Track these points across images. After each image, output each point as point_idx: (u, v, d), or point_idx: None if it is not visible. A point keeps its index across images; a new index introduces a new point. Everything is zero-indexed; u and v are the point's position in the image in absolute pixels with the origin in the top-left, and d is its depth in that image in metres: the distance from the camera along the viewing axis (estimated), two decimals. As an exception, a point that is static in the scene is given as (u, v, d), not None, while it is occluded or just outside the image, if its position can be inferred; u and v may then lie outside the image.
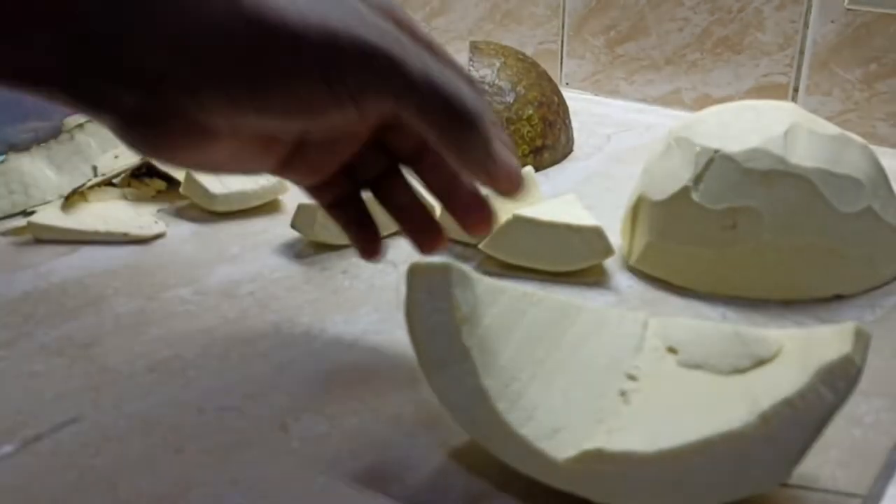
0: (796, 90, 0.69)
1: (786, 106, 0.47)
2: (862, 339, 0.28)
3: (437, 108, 0.29)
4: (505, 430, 0.29)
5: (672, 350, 0.32)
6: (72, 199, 0.53)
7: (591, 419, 0.30)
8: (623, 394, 0.31)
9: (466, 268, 0.32)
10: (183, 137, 0.29)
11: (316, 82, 0.28)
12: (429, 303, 0.30)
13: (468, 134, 0.29)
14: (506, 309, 0.32)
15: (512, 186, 0.32)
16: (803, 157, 0.43)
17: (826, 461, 0.32)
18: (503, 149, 0.31)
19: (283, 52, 0.27)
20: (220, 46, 0.27)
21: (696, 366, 0.31)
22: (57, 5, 0.26)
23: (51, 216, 0.51)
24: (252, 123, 0.29)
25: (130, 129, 0.28)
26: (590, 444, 0.28)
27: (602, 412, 0.30)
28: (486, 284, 0.33)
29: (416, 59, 0.28)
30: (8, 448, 0.33)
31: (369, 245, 0.38)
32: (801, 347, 0.29)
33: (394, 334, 0.40)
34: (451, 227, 0.50)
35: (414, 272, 0.31)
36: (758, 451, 0.27)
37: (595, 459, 0.28)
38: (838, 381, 0.27)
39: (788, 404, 0.27)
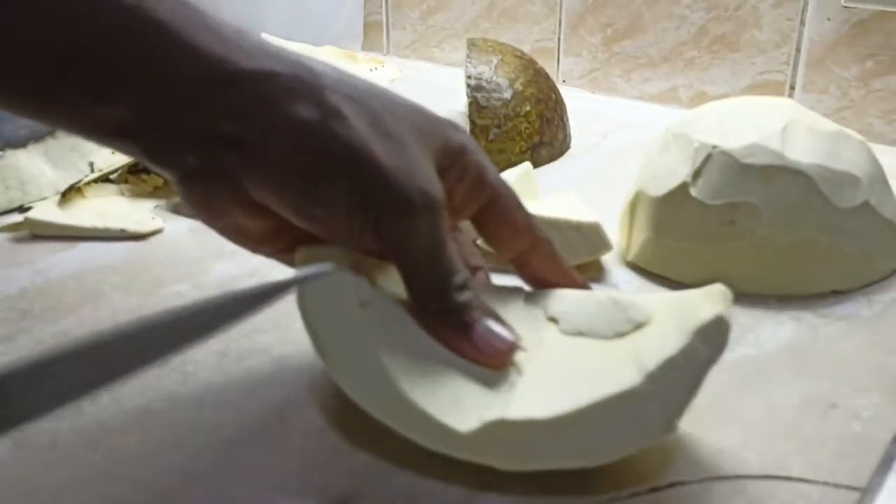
0: (793, 88, 0.69)
1: (784, 102, 0.47)
2: (728, 299, 0.30)
3: (425, 289, 0.32)
4: (408, 408, 0.30)
5: (553, 319, 0.34)
6: (69, 195, 0.53)
7: (488, 391, 0.31)
8: (515, 364, 0.32)
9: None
10: (228, 202, 0.31)
11: (355, 214, 0.30)
12: (324, 285, 0.31)
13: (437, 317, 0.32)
14: (398, 293, 0.33)
15: (488, 361, 0.32)
16: (801, 153, 0.43)
17: (825, 455, 0.32)
18: (487, 327, 0.32)
19: (347, 180, 0.30)
20: (294, 147, 0.30)
21: (579, 333, 0.33)
22: (144, 70, 0.29)
23: (48, 212, 0.51)
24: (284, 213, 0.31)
25: (184, 183, 0.31)
26: (491, 415, 0.29)
27: (498, 383, 0.31)
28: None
29: (434, 237, 0.31)
30: (6, 443, 0.33)
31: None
32: (674, 310, 0.31)
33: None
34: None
35: (307, 256, 0.32)
36: (647, 408, 0.29)
37: (497, 428, 0.29)
38: (713, 337, 0.29)
39: (672, 363, 0.29)
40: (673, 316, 0.31)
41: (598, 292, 0.34)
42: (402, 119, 0.31)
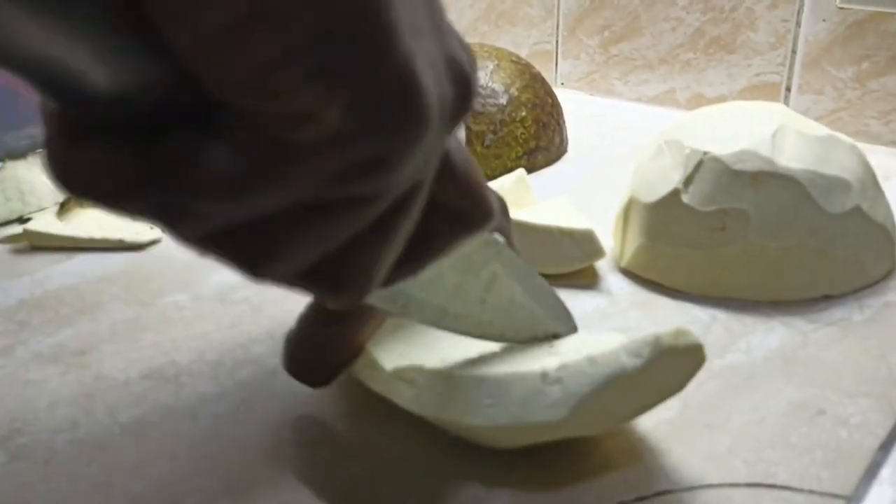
0: (789, 89, 0.70)
1: (774, 107, 0.47)
2: (684, 341, 0.29)
3: None
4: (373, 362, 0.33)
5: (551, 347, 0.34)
6: (68, 205, 0.53)
7: (446, 345, 0.33)
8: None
9: None
10: None
11: None
12: None
13: None
14: None
15: None
16: (791, 158, 0.43)
17: (812, 462, 0.32)
18: None
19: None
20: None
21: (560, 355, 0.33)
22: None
23: (47, 223, 0.52)
24: None
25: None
26: (415, 360, 0.32)
27: (455, 338, 0.33)
28: None
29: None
30: (2, 456, 0.33)
31: None
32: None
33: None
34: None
35: None
36: (551, 391, 0.30)
37: (412, 373, 0.32)
38: (643, 349, 0.29)
39: (589, 359, 0.30)
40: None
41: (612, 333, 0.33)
42: None
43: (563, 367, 0.30)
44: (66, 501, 0.31)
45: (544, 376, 0.30)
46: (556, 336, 0.34)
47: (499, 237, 0.32)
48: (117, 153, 0.19)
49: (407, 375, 0.32)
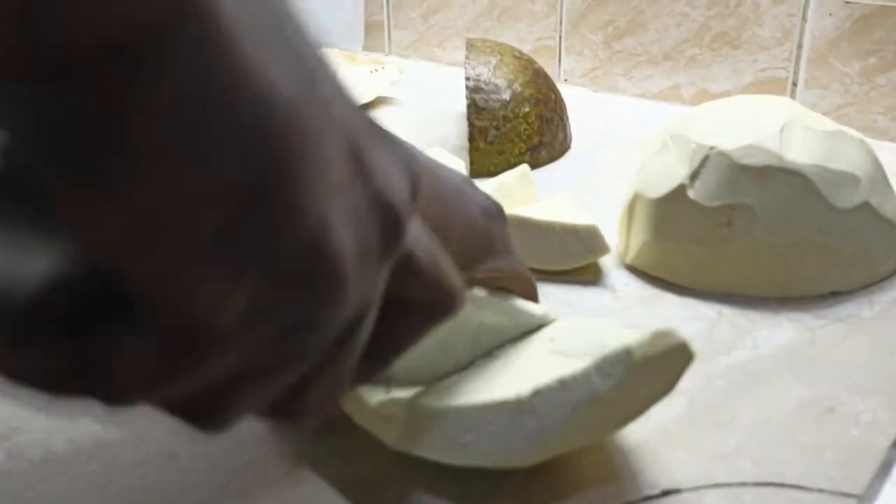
0: (795, 84, 0.69)
1: (781, 101, 0.46)
2: (667, 343, 0.27)
3: None
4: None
5: (551, 340, 0.32)
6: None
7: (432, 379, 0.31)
8: (470, 363, 0.31)
9: None
10: None
11: None
12: None
13: None
14: None
15: None
16: (799, 153, 0.42)
17: (822, 461, 0.31)
18: None
19: None
20: None
21: (560, 353, 0.31)
22: None
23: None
24: None
25: None
26: (399, 395, 0.30)
27: (446, 375, 0.31)
28: None
29: None
30: (0, 455, 0.33)
31: None
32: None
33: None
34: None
35: None
36: (525, 422, 0.28)
37: (393, 407, 0.30)
38: (615, 367, 0.27)
39: (560, 383, 0.28)
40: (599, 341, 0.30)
41: (605, 321, 0.32)
42: None
43: (537, 394, 0.28)
44: (64, 500, 0.31)
45: (518, 405, 0.28)
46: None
47: (479, 291, 0.32)
48: (45, 357, 0.18)
49: (388, 411, 0.31)
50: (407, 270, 0.23)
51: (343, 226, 0.19)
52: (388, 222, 0.21)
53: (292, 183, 0.17)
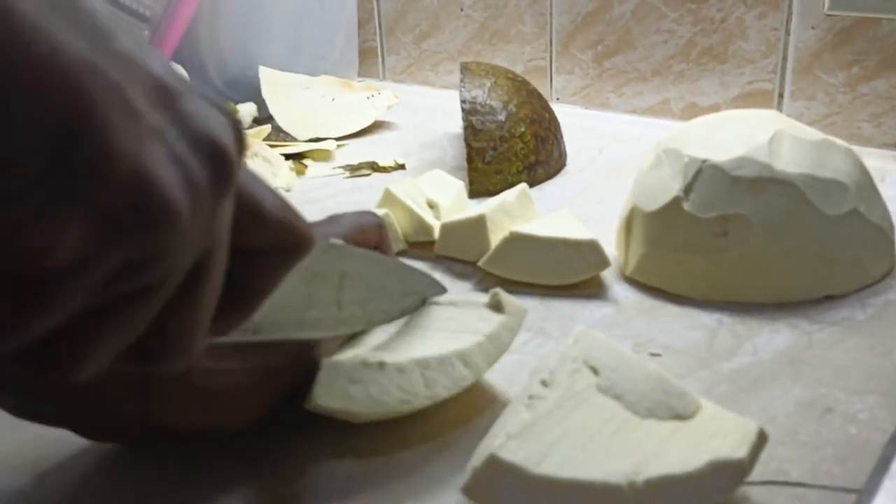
0: (781, 96, 0.71)
1: (769, 114, 0.48)
2: (761, 442, 0.30)
3: None
4: None
5: (594, 370, 0.33)
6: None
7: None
8: (530, 397, 0.31)
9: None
10: None
11: None
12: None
13: None
14: None
15: None
16: (788, 163, 0.44)
17: (823, 459, 0.33)
18: None
19: None
20: None
21: (615, 396, 0.32)
22: None
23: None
24: None
25: None
26: (484, 450, 0.30)
27: (506, 412, 0.32)
28: None
29: None
30: (26, 479, 0.34)
31: None
32: (710, 419, 0.31)
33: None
34: (451, 245, 0.51)
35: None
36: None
37: (486, 464, 0.29)
38: (725, 476, 0.29)
39: (672, 479, 0.29)
40: (705, 428, 0.31)
41: (650, 364, 0.33)
42: None
43: (648, 486, 0.29)
44: None
45: (616, 492, 0.29)
46: (427, 300, 0.38)
47: (336, 241, 0.34)
48: None
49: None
50: (253, 215, 0.24)
51: (163, 164, 0.21)
52: (215, 159, 0.22)
53: (97, 129, 0.19)
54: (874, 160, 0.60)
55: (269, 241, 0.25)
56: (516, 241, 0.47)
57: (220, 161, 0.22)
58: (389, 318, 0.37)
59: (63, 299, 0.20)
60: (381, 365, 0.34)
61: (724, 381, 0.38)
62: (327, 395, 0.33)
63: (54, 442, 0.35)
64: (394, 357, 0.35)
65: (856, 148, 0.48)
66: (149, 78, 0.21)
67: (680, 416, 0.31)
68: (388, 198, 0.54)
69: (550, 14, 0.81)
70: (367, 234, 0.39)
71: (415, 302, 0.38)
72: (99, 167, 0.19)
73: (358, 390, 0.33)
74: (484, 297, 0.38)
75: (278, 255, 0.25)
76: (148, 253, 0.20)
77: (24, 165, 0.18)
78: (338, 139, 0.74)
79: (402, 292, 0.37)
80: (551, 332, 0.43)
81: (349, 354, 0.35)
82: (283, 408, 0.35)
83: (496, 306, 0.38)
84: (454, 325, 0.37)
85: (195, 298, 0.23)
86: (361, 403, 0.33)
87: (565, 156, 0.68)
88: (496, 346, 0.37)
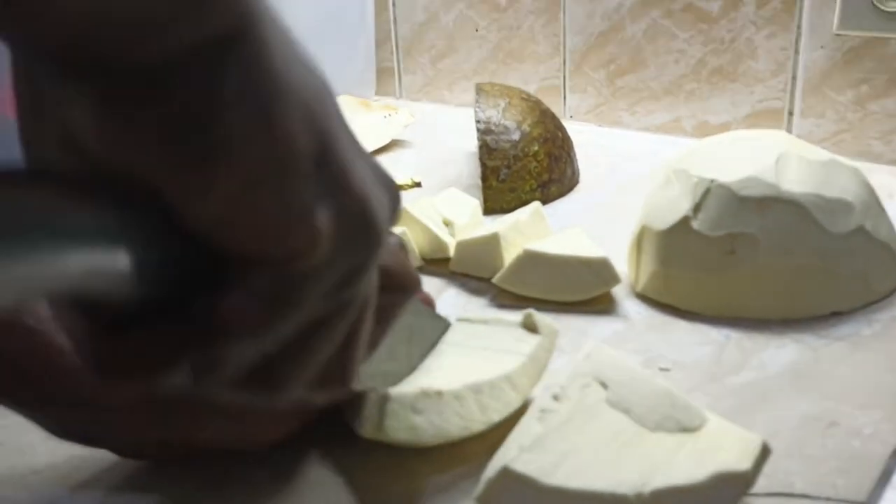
0: (791, 114, 0.72)
1: (776, 135, 0.49)
2: (765, 455, 0.31)
3: None
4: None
5: (603, 384, 0.34)
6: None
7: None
8: (542, 411, 0.33)
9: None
10: None
11: None
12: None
13: None
14: None
15: None
16: (794, 182, 0.45)
17: (827, 471, 0.34)
18: None
19: None
20: None
21: (624, 409, 0.33)
22: None
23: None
24: None
25: None
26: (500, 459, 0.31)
27: (519, 425, 0.33)
28: None
29: None
30: (60, 491, 0.35)
31: None
32: (716, 432, 0.32)
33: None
34: (466, 263, 0.53)
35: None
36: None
37: (499, 475, 0.31)
38: (728, 488, 0.30)
39: (678, 490, 0.30)
40: (711, 442, 0.32)
41: (657, 379, 0.34)
42: None
43: (654, 498, 0.30)
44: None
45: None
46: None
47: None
48: (152, 334, 0.21)
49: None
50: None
51: (372, 187, 0.24)
52: (390, 189, 0.25)
53: (338, 149, 0.22)
54: (883, 177, 0.61)
55: (392, 281, 0.29)
56: (530, 259, 0.49)
57: (393, 191, 0.26)
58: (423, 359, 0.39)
59: (308, 303, 0.23)
60: (440, 394, 0.35)
61: (732, 395, 0.39)
62: (395, 428, 0.34)
63: (87, 456, 0.36)
64: (447, 383, 0.35)
65: (865, 165, 0.49)
66: (348, 134, 0.24)
67: (686, 430, 0.32)
68: (405, 216, 0.55)
69: (564, 34, 0.82)
70: (396, 257, 0.38)
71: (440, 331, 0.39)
72: (340, 180, 0.22)
73: (422, 421, 0.34)
74: (511, 316, 0.40)
75: (395, 294, 0.29)
76: (357, 266, 0.24)
77: (308, 160, 0.21)
78: (355, 158, 0.75)
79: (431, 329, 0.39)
80: (564, 347, 0.44)
81: (406, 384, 0.36)
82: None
83: (531, 326, 0.39)
84: (493, 345, 0.38)
85: (364, 321, 0.26)
86: (426, 433, 0.35)
87: (578, 173, 0.69)
88: (536, 368, 0.38)
